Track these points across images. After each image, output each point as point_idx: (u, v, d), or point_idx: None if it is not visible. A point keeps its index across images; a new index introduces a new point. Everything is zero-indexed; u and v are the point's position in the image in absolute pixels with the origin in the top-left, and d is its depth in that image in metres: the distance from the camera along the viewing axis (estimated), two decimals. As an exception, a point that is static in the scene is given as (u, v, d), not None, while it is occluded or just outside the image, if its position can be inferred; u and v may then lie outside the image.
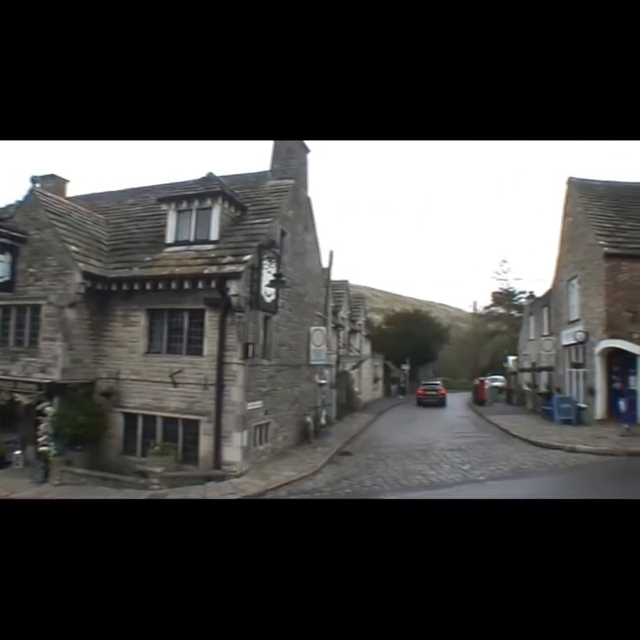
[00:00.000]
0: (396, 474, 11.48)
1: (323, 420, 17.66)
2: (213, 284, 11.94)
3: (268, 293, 12.98)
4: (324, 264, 20.34)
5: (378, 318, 61.21)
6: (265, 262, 12.65)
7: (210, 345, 12.14)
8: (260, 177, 16.00)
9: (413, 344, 49.34)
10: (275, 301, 13.51)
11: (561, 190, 22.81)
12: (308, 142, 16.38)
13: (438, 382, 38.27)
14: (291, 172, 15.70)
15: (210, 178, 14.23)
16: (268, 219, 13.73)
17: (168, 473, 11.23)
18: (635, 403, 16.89)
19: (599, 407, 18.42)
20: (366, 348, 35.95)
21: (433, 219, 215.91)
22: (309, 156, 16.89)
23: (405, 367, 47.42)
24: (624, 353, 17.60)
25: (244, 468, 11.74)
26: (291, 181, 15.46)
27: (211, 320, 12.18)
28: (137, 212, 16.51)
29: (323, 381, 19.18)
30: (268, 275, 12.68)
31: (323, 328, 17.89)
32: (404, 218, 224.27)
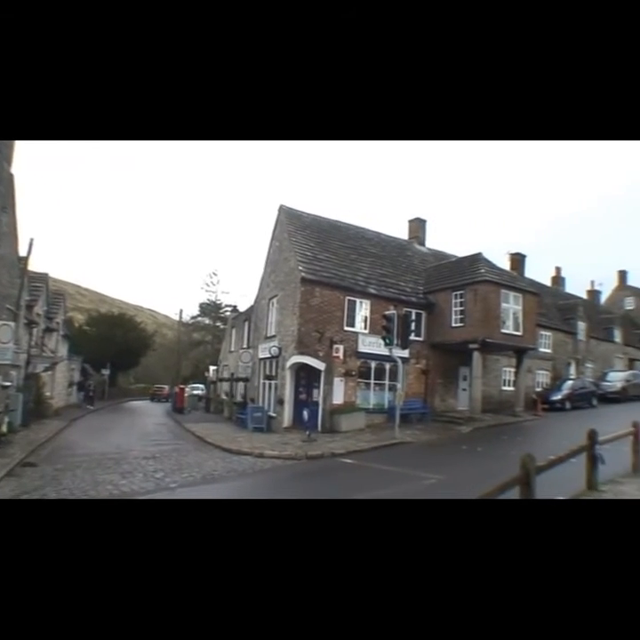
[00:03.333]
0: (85, 485, 10.76)
1: (4, 428, 15.64)
2: None
3: (-54, 277, 11.04)
4: (22, 252, 18.34)
5: (81, 318, 57.18)
6: (-55, 240, 10.74)
7: None
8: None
9: (116, 348, 47.46)
10: (-46, 288, 11.55)
11: (273, 216, 24.92)
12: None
13: (165, 386, 50.30)
14: (-10, 142, 13.72)
15: None
16: (-45, 190, 11.71)
17: None
18: (316, 412, 19.24)
19: (286, 416, 20.50)
20: (63, 350, 33.12)
21: (147, 220, 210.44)
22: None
23: (106, 371, 45.10)
24: (310, 368, 20.01)
25: None
26: (-11, 153, 13.49)
27: None
28: None
29: (7, 383, 17.17)
30: (-53, 255, 10.78)
31: (11, 323, 16.05)
32: (118, 215, 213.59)
